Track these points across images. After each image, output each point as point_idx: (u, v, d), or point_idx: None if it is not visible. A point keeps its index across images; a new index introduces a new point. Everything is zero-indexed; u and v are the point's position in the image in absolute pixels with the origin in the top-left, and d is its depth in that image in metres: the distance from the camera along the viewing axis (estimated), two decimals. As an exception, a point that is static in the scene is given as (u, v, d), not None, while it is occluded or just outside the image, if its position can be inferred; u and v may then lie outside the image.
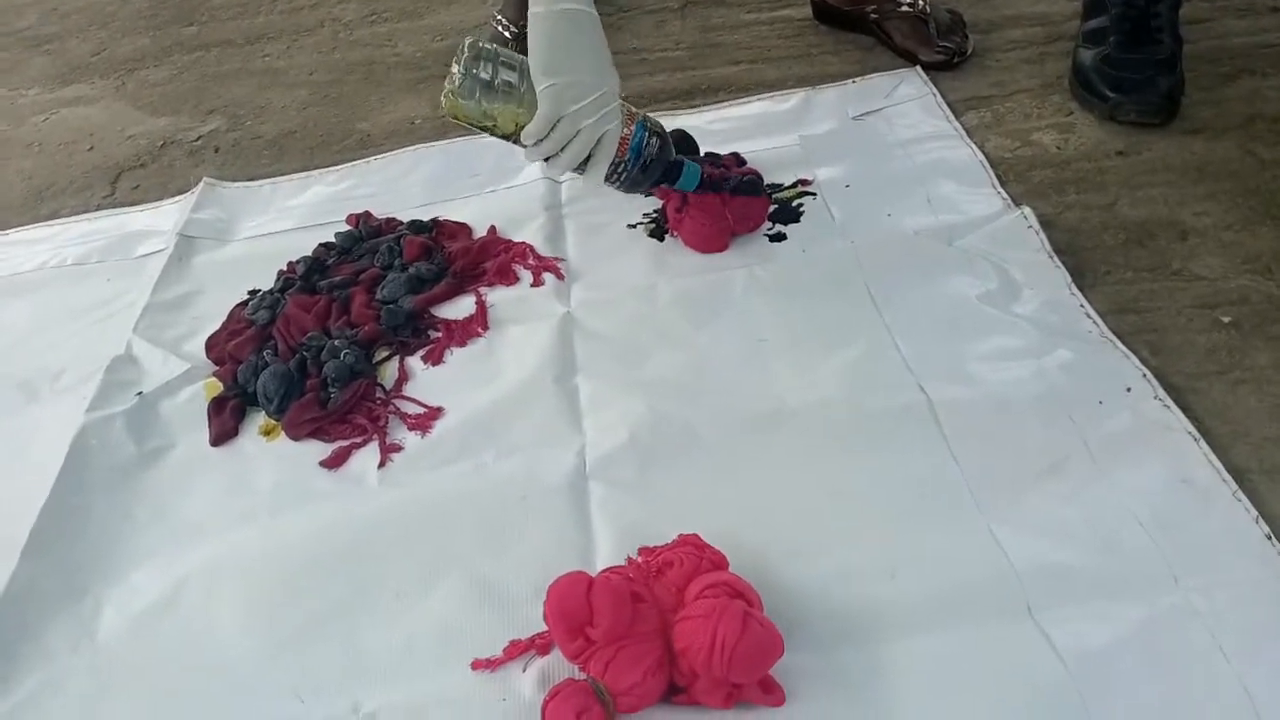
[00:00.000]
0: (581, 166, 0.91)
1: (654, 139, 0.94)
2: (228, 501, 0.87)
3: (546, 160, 0.90)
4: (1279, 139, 1.05)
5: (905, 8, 1.27)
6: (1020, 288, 0.92)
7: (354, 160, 1.28)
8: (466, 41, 0.89)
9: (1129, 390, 0.82)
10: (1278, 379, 0.82)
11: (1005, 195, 1.03)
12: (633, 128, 0.93)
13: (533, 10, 0.86)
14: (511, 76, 0.88)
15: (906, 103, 1.19)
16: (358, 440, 0.90)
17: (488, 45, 0.89)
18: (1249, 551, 0.70)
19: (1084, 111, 1.14)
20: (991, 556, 0.72)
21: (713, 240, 1.02)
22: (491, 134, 0.91)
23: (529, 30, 0.87)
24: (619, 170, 0.93)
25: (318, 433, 0.91)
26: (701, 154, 1.11)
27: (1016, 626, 0.68)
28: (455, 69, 0.88)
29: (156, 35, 1.68)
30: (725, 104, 1.25)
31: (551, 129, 0.87)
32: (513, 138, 0.90)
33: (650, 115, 0.97)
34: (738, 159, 1.10)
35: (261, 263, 1.12)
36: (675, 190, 1.01)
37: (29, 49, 1.72)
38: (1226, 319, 0.88)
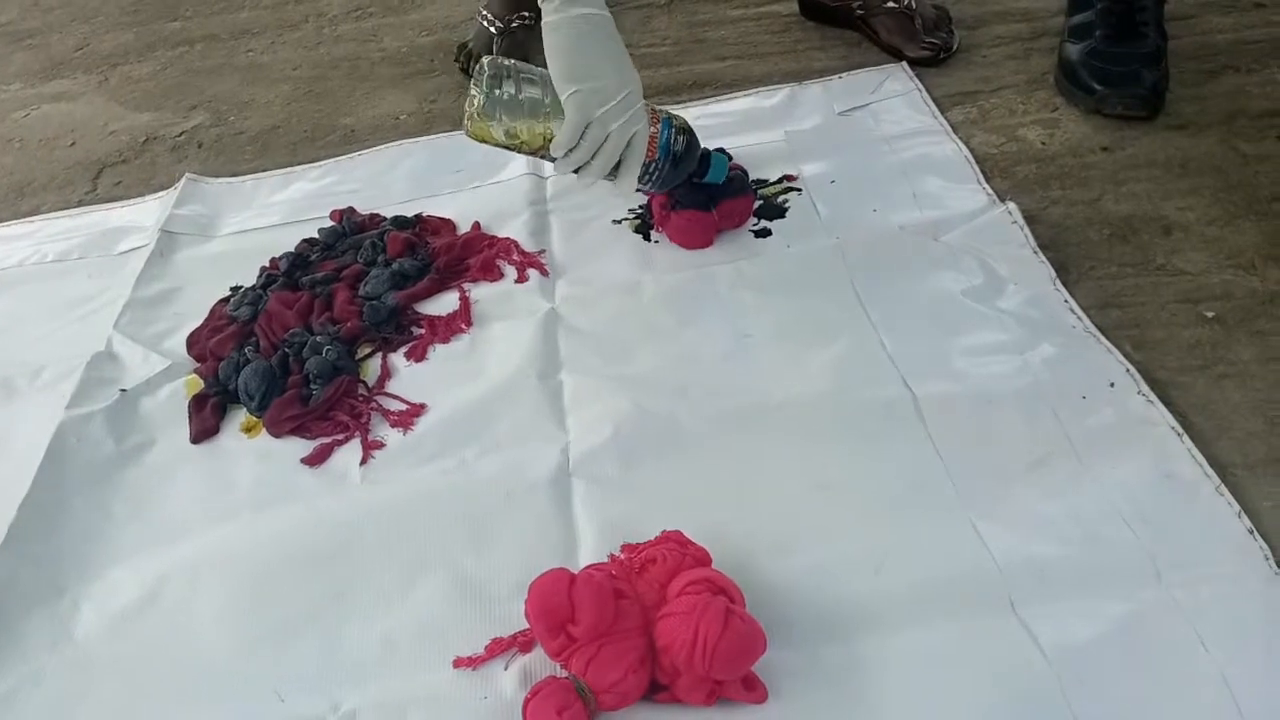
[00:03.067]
0: (612, 173, 0.90)
1: (680, 135, 0.94)
2: (208, 499, 0.86)
3: (576, 171, 0.89)
4: (1262, 135, 1.05)
5: (891, 4, 1.27)
6: (1005, 283, 0.92)
7: (338, 156, 1.27)
8: (485, 60, 0.88)
9: (1112, 385, 0.82)
10: (1261, 374, 0.83)
11: (990, 191, 1.03)
12: (659, 126, 0.92)
13: (547, 19, 0.85)
14: (534, 91, 0.87)
15: (892, 98, 1.19)
16: (339, 437, 0.89)
17: (505, 62, 0.88)
18: (1231, 546, 0.70)
19: (1069, 107, 1.14)
20: (975, 551, 0.72)
21: (698, 236, 1.02)
22: (519, 152, 0.90)
23: (545, 38, 0.86)
24: (650, 171, 0.93)
25: (299, 430, 0.91)
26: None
27: (999, 621, 0.68)
28: (474, 92, 0.87)
29: (140, 31, 1.67)
30: (711, 100, 1.25)
31: (581, 136, 0.86)
32: (541, 152, 0.89)
33: (673, 111, 0.96)
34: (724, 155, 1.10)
35: (244, 259, 1.11)
36: (706, 184, 0.99)
37: (10, 44, 1.71)
38: (1210, 314, 0.88)
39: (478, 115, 0.87)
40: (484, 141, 0.90)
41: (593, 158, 0.88)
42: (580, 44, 0.85)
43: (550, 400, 0.89)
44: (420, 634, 0.73)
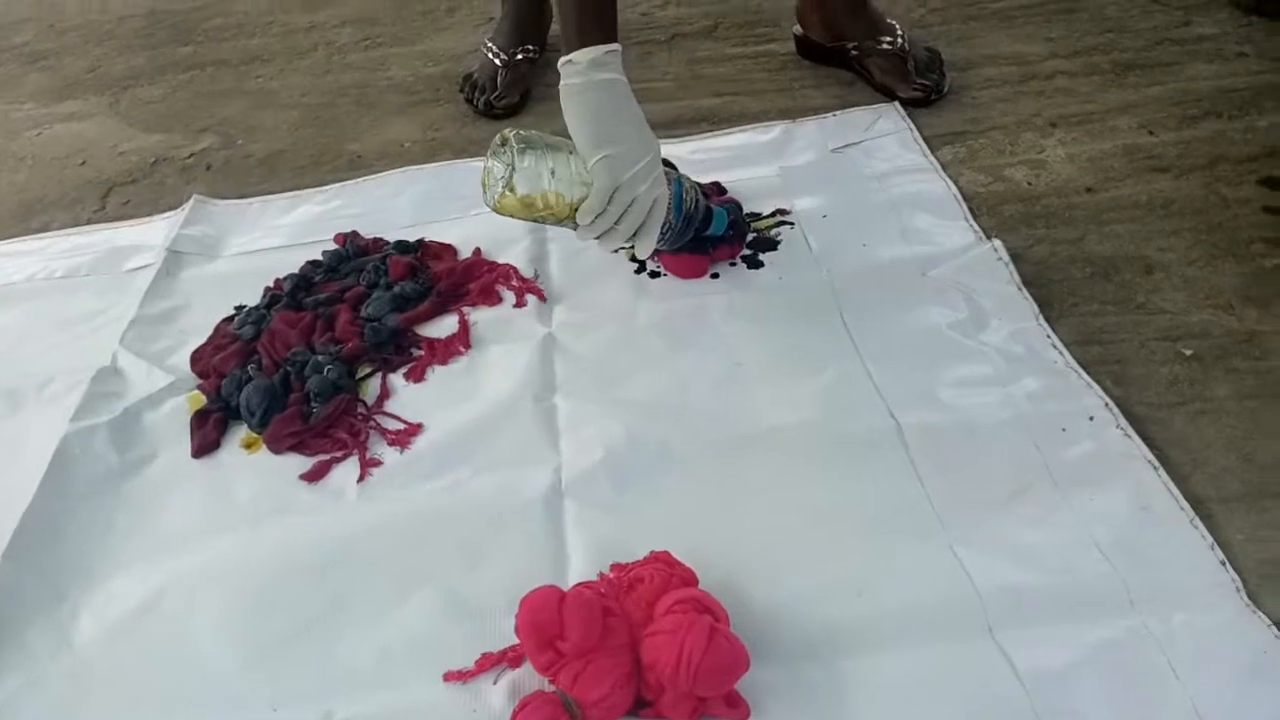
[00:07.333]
0: (631, 237, 0.90)
1: (690, 193, 0.96)
2: (207, 512, 0.88)
3: (598, 238, 0.89)
4: (1242, 179, 1.09)
5: (885, 45, 1.30)
6: (989, 318, 0.95)
7: (343, 181, 1.30)
8: (508, 133, 0.86)
9: (1092, 419, 0.84)
10: (1236, 411, 0.85)
11: (977, 228, 1.06)
12: (671, 186, 0.93)
13: (568, 82, 0.86)
14: (557, 159, 0.86)
15: (884, 137, 1.22)
16: (338, 455, 0.91)
17: (525, 133, 0.87)
18: (1204, 577, 0.72)
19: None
20: (955, 578, 0.74)
21: (692, 267, 1.04)
22: (543, 222, 0.89)
23: (566, 103, 0.86)
24: (664, 231, 0.93)
25: (299, 446, 0.93)
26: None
27: (977, 646, 0.70)
28: (495, 164, 0.85)
29: (152, 54, 1.70)
30: (708, 134, 1.28)
31: (608, 201, 0.86)
32: (566, 220, 0.88)
33: (677, 169, 0.96)
34: (718, 188, 1.13)
35: (249, 279, 1.14)
36: (706, 236, 1.01)
37: (25, 64, 1.74)
38: (1188, 352, 0.90)
39: (505, 190, 0.85)
40: (510, 215, 0.88)
41: (617, 223, 0.88)
42: (605, 109, 0.86)
43: (545, 423, 0.91)
44: (412, 647, 0.75)
